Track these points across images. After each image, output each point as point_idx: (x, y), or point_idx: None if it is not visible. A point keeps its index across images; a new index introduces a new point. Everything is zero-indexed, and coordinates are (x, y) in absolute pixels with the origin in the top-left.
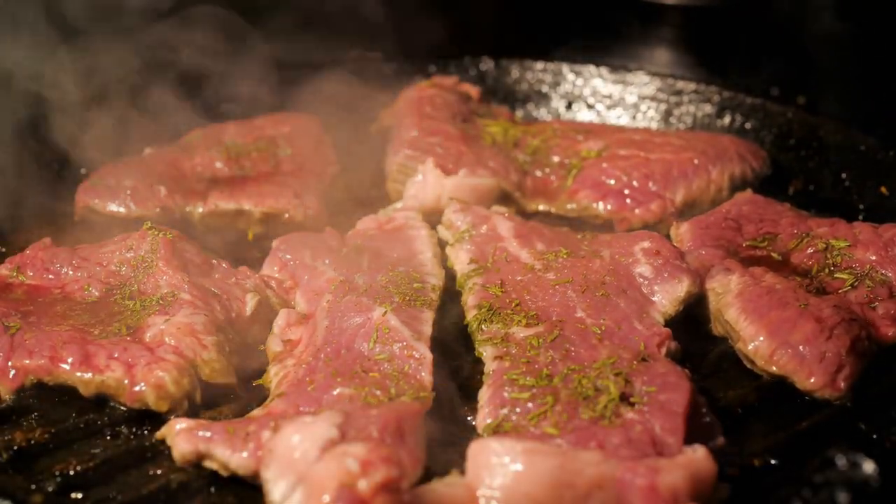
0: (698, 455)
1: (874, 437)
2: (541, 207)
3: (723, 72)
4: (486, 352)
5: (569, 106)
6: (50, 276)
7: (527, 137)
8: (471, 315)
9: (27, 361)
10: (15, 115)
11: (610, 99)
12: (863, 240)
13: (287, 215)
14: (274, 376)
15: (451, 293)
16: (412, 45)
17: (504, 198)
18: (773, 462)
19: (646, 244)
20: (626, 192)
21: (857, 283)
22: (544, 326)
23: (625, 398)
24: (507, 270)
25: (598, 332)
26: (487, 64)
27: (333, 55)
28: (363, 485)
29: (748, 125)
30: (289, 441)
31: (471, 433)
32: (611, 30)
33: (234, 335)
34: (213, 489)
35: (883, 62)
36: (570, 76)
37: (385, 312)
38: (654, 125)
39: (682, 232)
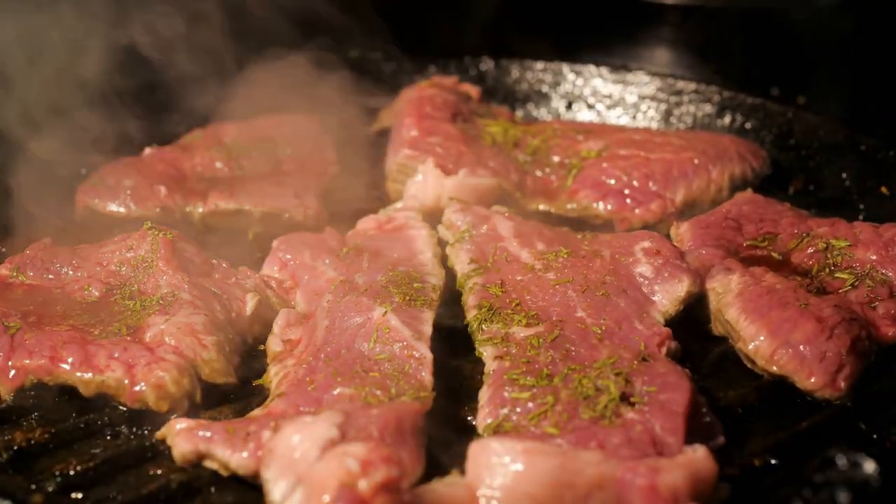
0: (699, 455)
1: (874, 436)
2: (541, 207)
3: (723, 72)
4: (486, 351)
5: (569, 106)
6: (50, 276)
7: (527, 137)
8: (471, 315)
9: (27, 361)
10: (15, 114)
11: (610, 99)
12: (863, 239)
13: (287, 215)
14: (274, 376)
15: (451, 293)
16: (412, 45)
17: (504, 198)
18: (773, 462)
19: (646, 244)
20: (627, 191)
21: (857, 283)
22: (544, 326)
23: (625, 398)
24: (507, 270)
25: (599, 331)
26: (487, 64)
27: (334, 55)
28: (363, 485)
29: (748, 125)
30: (289, 441)
31: (471, 433)
32: (611, 30)
33: (234, 335)
34: (213, 489)
35: (883, 62)
36: (571, 76)
37: (385, 312)
38: (654, 125)
39: (683, 232)
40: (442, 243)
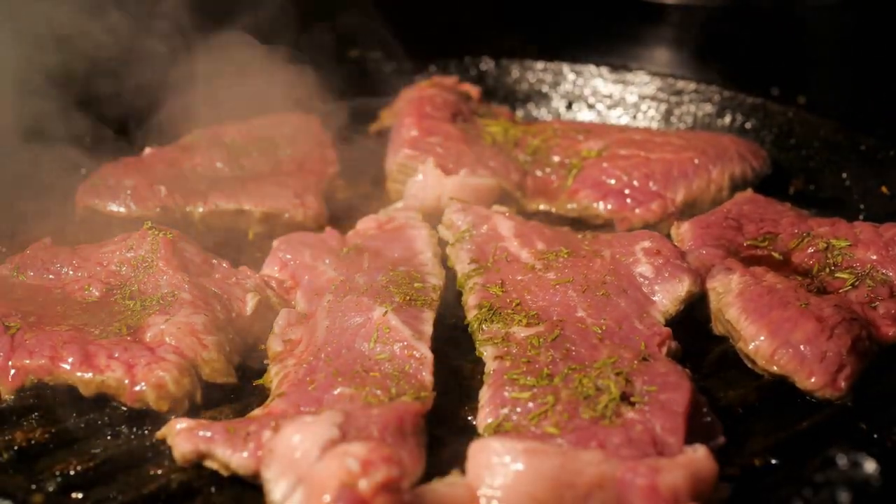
0: (699, 455)
1: (875, 436)
2: (541, 207)
3: (723, 72)
4: (486, 351)
5: (569, 106)
6: (50, 276)
7: (527, 137)
8: (471, 315)
9: (28, 361)
10: (15, 114)
11: (610, 99)
12: (863, 239)
13: (287, 215)
14: (274, 376)
15: (451, 293)
16: (412, 45)
17: (504, 197)
18: (773, 461)
19: (646, 244)
20: (627, 191)
21: (857, 283)
22: (545, 326)
23: (625, 398)
24: (507, 270)
25: (599, 331)
26: (488, 64)
27: (334, 55)
28: (364, 484)
29: (748, 125)
30: (289, 441)
31: (471, 433)
32: (611, 30)
33: (235, 335)
34: (213, 489)
35: (883, 62)
36: (571, 76)
37: (385, 312)
38: (654, 125)
39: (683, 231)
40: (442, 243)
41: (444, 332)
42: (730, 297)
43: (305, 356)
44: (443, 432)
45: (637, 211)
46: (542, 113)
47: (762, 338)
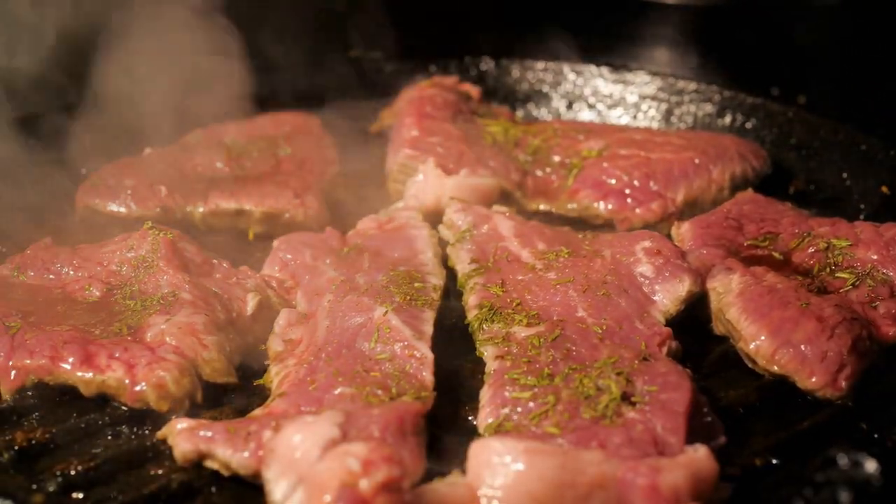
0: (700, 454)
1: (876, 436)
2: (542, 207)
3: (723, 71)
4: (487, 351)
5: (569, 106)
6: (51, 276)
7: (527, 137)
8: (472, 315)
9: (28, 361)
10: (15, 114)
11: (611, 98)
12: (864, 239)
13: (287, 215)
14: (275, 376)
15: (452, 293)
16: (412, 45)
17: (505, 197)
18: (774, 461)
19: (647, 244)
20: (627, 191)
21: (858, 283)
22: (545, 326)
23: (626, 398)
24: (508, 270)
25: (600, 331)
26: (488, 64)
27: (334, 55)
28: (365, 484)
29: (749, 125)
30: (290, 441)
31: (472, 433)
32: (611, 30)
33: (235, 335)
34: (214, 489)
35: (883, 62)
36: (571, 76)
37: (386, 312)
38: (654, 125)
39: (683, 231)
40: (443, 243)
41: (445, 332)
42: (730, 297)
43: (306, 356)
44: (443, 432)
45: (637, 211)
46: (543, 113)
47: (763, 338)
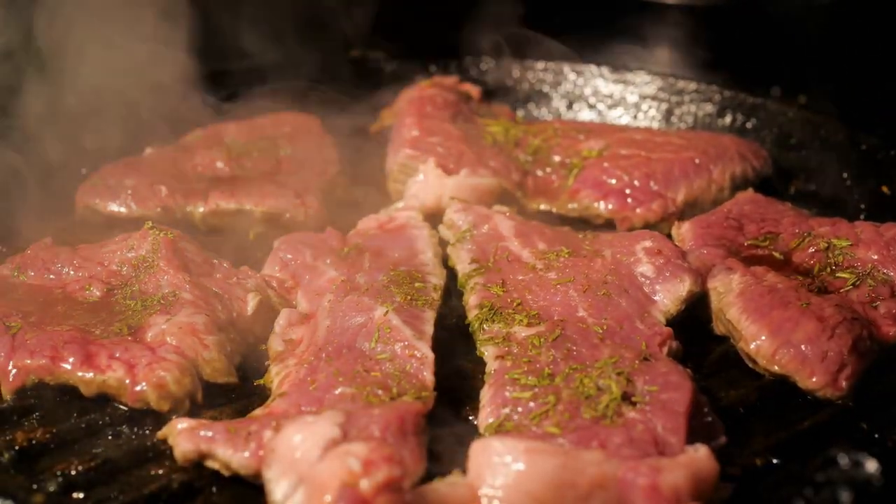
0: (700, 454)
1: (876, 436)
2: (542, 207)
3: (723, 71)
4: (487, 351)
5: (570, 105)
6: (51, 276)
7: (528, 137)
8: (472, 314)
9: (28, 361)
10: (15, 114)
11: (611, 98)
12: (864, 239)
13: (288, 215)
14: (275, 376)
15: (452, 293)
16: (412, 45)
17: (505, 197)
18: (774, 461)
19: (647, 243)
20: (628, 191)
21: (858, 283)
22: (546, 326)
23: (626, 397)
24: (508, 270)
25: (600, 331)
26: (488, 64)
27: (334, 55)
28: (365, 484)
29: (749, 124)
30: (290, 440)
31: (473, 433)
32: (612, 30)
33: (236, 335)
34: (214, 489)
35: (883, 62)
36: (571, 76)
37: (386, 312)
38: (655, 125)
39: (684, 231)
40: (443, 243)
41: (446, 332)
42: (731, 297)
43: (306, 356)
44: (444, 432)
45: (638, 211)
46: (543, 113)
47: (763, 337)
